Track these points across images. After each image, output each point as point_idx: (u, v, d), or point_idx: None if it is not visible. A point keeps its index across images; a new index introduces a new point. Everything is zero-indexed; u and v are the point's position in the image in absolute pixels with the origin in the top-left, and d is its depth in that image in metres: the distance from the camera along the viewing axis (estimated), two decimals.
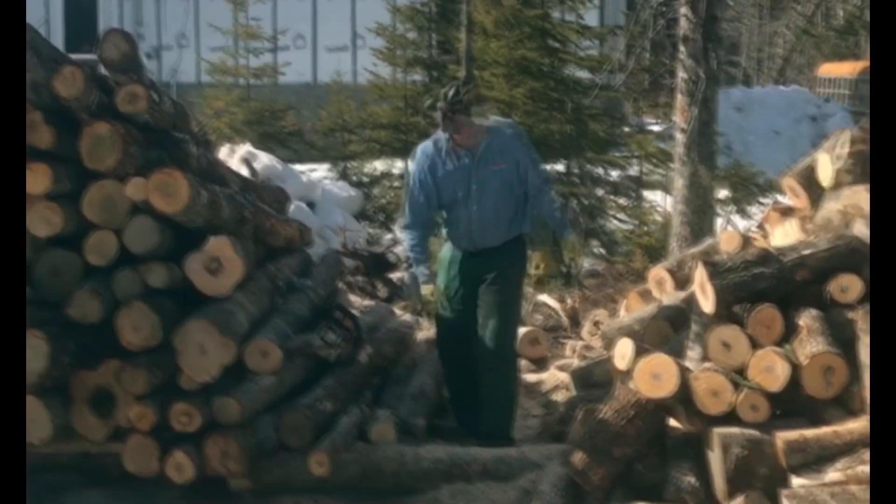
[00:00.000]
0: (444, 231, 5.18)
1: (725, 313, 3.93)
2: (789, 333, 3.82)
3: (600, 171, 10.58)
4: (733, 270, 3.90)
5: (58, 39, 17.32)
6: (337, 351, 4.78)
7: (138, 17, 18.87)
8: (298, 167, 11.60)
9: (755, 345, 3.80)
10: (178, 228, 4.24)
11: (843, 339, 3.76)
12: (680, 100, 7.91)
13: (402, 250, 5.32)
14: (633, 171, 10.67)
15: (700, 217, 7.85)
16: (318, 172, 12.27)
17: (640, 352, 3.94)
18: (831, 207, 4.51)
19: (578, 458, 3.87)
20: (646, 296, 5.78)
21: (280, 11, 17.67)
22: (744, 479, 3.58)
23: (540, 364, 6.37)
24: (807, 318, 3.82)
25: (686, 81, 7.81)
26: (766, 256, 3.95)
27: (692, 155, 7.76)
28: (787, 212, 4.98)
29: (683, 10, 7.78)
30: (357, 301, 7.27)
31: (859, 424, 3.49)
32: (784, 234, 4.82)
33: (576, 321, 7.06)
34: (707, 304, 3.94)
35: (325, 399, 4.52)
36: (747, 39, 27.01)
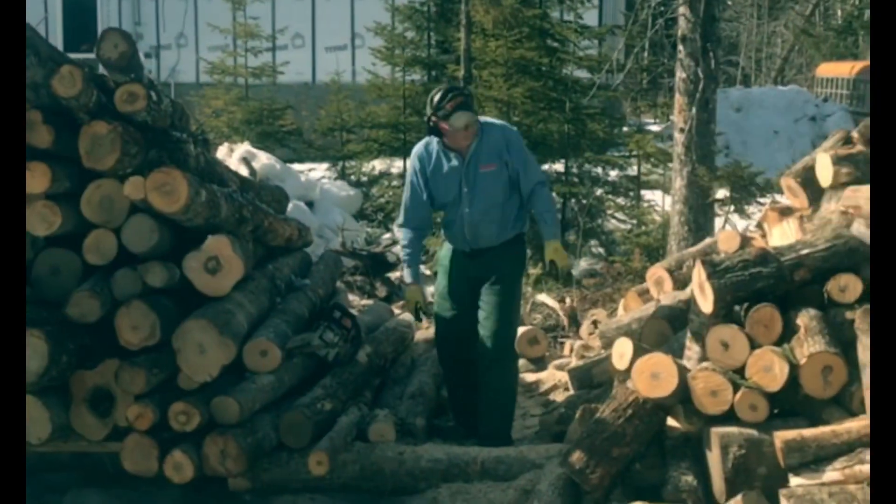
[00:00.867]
0: (442, 231, 5.19)
1: (724, 313, 3.93)
2: (788, 333, 3.82)
3: (599, 170, 10.57)
4: (732, 270, 3.90)
5: (57, 39, 17.33)
6: (336, 350, 4.78)
7: (137, 16, 18.87)
8: (297, 166, 11.61)
9: (754, 344, 3.80)
10: (177, 228, 4.25)
11: (841, 339, 3.76)
12: (679, 99, 7.92)
13: (399, 249, 5.33)
14: (632, 170, 10.67)
15: (699, 217, 7.85)
16: (316, 172, 12.28)
17: (638, 351, 3.94)
18: (830, 207, 4.51)
19: (577, 457, 3.87)
20: (644, 295, 5.79)
21: (279, 11, 17.68)
22: (742, 478, 3.59)
23: (539, 363, 6.37)
24: (805, 318, 3.82)
25: (685, 81, 7.81)
26: (765, 256, 3.95)
27: (691, 154, 7.76)
28: (785, 211, 4.98)
29: (682, 9, 7.78)
30: (356, 300, 7.29)
31: (858, 424, 3.49)
32: (783, 234, 4.82)
33: (574, 321, 7.07)
34: (706, 303, 3.94)
35: (324, 399, 4.52)
36: (746, 39, 27.02)
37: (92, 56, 4.34)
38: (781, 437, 3.53)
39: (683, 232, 7.84)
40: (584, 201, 10.01)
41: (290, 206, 6.83)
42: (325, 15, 18.84)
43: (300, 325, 4.81)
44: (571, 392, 5.44)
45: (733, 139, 16.18)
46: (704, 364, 3.85)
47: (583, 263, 8.97)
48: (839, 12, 25.75)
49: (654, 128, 13.41)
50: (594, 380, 5.29)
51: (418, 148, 5.05)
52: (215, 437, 4.11)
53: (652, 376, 3.81)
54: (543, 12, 10.41)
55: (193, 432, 4.10)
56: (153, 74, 16.51)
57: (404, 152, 11.15)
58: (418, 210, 5.03)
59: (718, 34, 8.17)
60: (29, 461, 3.73)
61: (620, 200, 10.50)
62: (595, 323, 6.65)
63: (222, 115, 13.17)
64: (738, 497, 3.53)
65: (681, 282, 5.39)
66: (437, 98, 4.80)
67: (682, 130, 7.82)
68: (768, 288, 3.90)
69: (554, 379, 5.99)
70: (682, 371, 3.83)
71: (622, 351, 4.02)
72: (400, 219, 5.14)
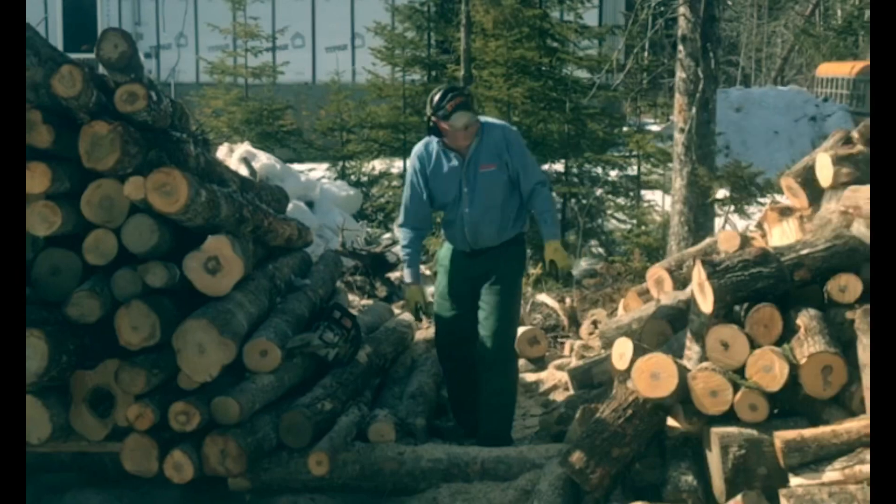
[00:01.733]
0: (442, 231, 5.19)
1: (724, 313, 3.93)
2: (788, 333, 3.82)
3: (599, 170, 10.58)
4: (732, 270, 3.90)
5: (57, 39, 17.34)
6: (336, 350, 4.78)
7: (137, 16, 18.90)
8: (297, 166, 11.61)
9: (754, 344, 3.80)
10: (177, 228, 4.24)
11: (841, 339, 3.76)
12: (679, 99, 7.92)
13: (399, 249, 5.33)
14: (632, 170, 10.68)
15: (699, 217, 7.86)
16: (316, 172, 12.28)
17: (638, 351, 3.94)
18: (830, 207, 4.51)
19: (577, 457, 3.87)
20: (644, 295, 5.79)
21: (279, 11, 17.70)
22: (742, 478, 3.58)
23: (539, 363, 6.37)
24: (805, 318, 3.82)
25: (685, 81, 7.82)
26: (765, 256, 3.95)
27: (691, 154, 7.76)
28: (785, 211, 4.98)
29: (682, 9, 7.79)
30: (356, 300, 7.29)
31: (858, 424, 3.48)
32: (783, 234, 4.82)
33: (575, 321, 7.06)
34: (705, 303, 3.94)
35: (324, 399, 4.52)
36: (746, 39, 27.04)
37: (92, 56, 4.33)
38: (781, 437, 3.53)
39: (683, 232, 7.85)
40: (584, 201, 10.02)
41: (290, 206, 6.83)
42: (325, 15, 18.87)
43: (300, 325, 4.81)
44: (571, 392, 5.44)
45: (733, 139, 16.20)
46: (704, 364, 3.85)
47: (583, 263, 8.97)
48: (839, 12, 25.76)
49: (654, 128, 13.40)
50: (594, 380, 5.29)
51: (418, 148, 5.05)
52: (215, 437, 4.11)
53: (652, 376, 3.81)
54: (543, 12, 10.41)
55: (193, 432, 4.10)
56: (153, 74, 16.52)
57: (404, 152, 11.15)
58: (418, 210, 5.03)
59: (718, 34, 8.17)
60: (29, 461, 3.74)
61: (620, 200, 10.51)
62: (595, 323, 6.66)
63: (222, 115, 13.18)
64: (738, 497, 3.53)
65: (681, 282, 5.40)
66: (436, 98, 4.81)
67: (682, 130, 7.83)
68: (768, 288, 3.90)
69: (554, 379, 5.99)
70: (682, 371, 3.83)
71: (622, 351, 4.02)
72: (400, 219, 5.14)
